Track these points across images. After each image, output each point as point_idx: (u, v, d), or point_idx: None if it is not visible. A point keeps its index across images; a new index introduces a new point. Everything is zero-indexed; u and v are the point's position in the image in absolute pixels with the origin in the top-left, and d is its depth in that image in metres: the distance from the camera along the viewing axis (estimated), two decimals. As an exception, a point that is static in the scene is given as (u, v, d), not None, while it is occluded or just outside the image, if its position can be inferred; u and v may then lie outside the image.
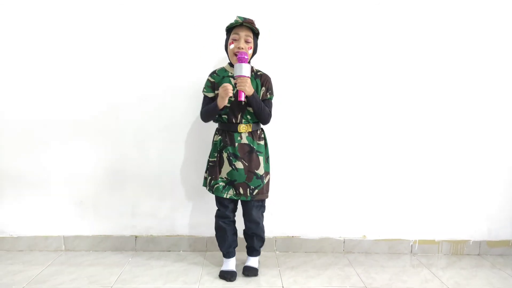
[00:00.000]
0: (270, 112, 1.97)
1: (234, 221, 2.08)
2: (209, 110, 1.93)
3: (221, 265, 2.15)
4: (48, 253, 2.31)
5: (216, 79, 1.97)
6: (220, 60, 2.24)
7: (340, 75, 2.30)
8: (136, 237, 2.37)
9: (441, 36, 2.29)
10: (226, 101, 1.84)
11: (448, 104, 2.35)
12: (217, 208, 2.05)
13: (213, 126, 2.26)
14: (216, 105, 1.87)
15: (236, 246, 2.11)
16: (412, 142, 2.36)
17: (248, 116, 1.94)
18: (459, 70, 2.33)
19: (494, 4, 2.27)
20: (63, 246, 2.36)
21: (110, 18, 2.21)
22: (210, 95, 1.97)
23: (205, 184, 2.05)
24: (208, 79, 2.00)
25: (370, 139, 2.35)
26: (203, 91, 1.99)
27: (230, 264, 2.07)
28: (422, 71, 2.32)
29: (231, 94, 1.82)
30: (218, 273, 2.07)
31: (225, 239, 2.05)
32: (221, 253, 2.30)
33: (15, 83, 2.24)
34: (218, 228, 2.05)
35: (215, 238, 2.10)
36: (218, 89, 1.90)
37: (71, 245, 2.36)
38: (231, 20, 1.93)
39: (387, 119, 2.34)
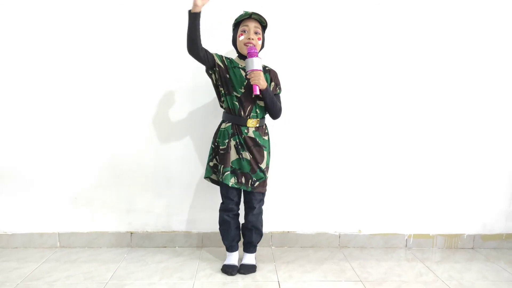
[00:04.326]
0: (281, 107, 2.00)
1: (237, 215, 2.08)
2: (188, 26, 1.76)
3: (217, 261, 2.17)
4: (43, 250, 2.30)
5: (227, 62, 1.93)
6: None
7: (338, 73, 2.29)
8: (131, 233, 2.37)
9: (442, 35, 2.28)
10: (196, 2, 1.68)
11: (444, 100, 2.35)
12: (221, 202, 2.06)
13: (210, 122, 2.26)
14: (189, 14, 1.73)
15: (239, 240, 2.12)
16: (407, 138, 2.37)
17: (257, 110, 1.96)
18: (458, 70, 2.32)
19: (494, 4, 2.27)
20: (58, 243, 2.35)
21: (105, 17, 2.18)
22: (216, 58, 1.91)
23: (208, 174, 2.05)
24: (224, 56, 1.95)
25: (365, 135, 2.36)
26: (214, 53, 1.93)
27: (233, 259, 2.08)
28: (422, 70, 2.31)
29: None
30: (214, 268, 2.08)
31: (229, 233, 2.06)
32: (217, 249, 2.33)
33: (9, 79, 2.21)
34: (222, 222, 2.06)
35: (217, 233, 2.12)
36: (223, 71, 1.90)
37: (67, 241, 2.35)
38: (233, 15, 1.93)
39: (383, 115, 2.34)
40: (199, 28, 1.77)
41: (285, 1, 2.22)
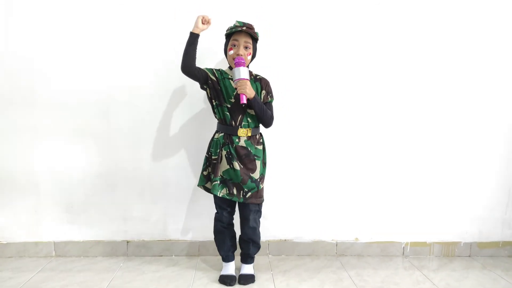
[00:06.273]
0: (272, 115, 1.98)
1: (232, 224, 2.08)
2: (186, 44, 1.86)
3: (214, 270, 2.16)
4: (38, 259, 2.28)
5: (218, 74, 1.95)
6: (212, 61, 2.24)
7: (336, 76, 2.30)
8: (127, 242, 2.36)
9: (441, 36, 2.30)
10: (198, 24, 1.83)
11: (441, 107, 2.36)
12: (215, 211, 2.05)
13: (206, 130, 2.27)
14: (190, 34, 1.85)
15: (235, 250, 2.11)
16: (404, 146, 2.38)
17: (249, 119, 1.95)
18: (455, 75, 2.34)
19: (494, 4, 2.29)
20: (54, 252, 2.33)
21: (94, 19, 2.19)
22: (208, 71, 1.94)
23: (201, 183, 2.03)
24: (214, 68, 1.98)
25: (362, 143, 2.36)
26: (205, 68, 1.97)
27: (230, 268, 2.07)
28: (419, 76, 2.32)
29: (203, 18, 1.84)
30: (210, 278, 2.07)
31: (224, 243, 2.05)
32: (214, 258, 2.32)
33: (3, 86, 2.21)
34: (216, 232, 2.06)
35: (214, 242, 2.11)
36: (215, 83, 1.92)
37: (62, 250, 2.33)
38: (228, 20, 1.92)
39: (379, 123, 2.35)
40: (196, 48, 1.86)
41: (285, 1, 2.23)
